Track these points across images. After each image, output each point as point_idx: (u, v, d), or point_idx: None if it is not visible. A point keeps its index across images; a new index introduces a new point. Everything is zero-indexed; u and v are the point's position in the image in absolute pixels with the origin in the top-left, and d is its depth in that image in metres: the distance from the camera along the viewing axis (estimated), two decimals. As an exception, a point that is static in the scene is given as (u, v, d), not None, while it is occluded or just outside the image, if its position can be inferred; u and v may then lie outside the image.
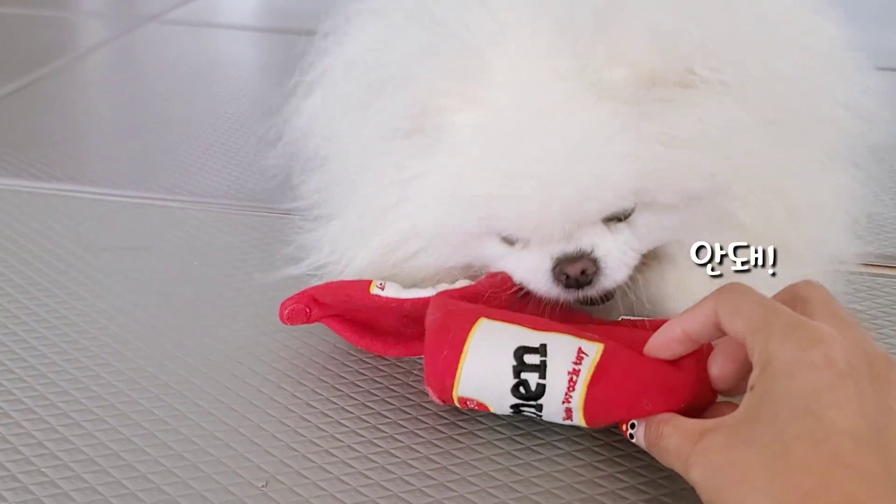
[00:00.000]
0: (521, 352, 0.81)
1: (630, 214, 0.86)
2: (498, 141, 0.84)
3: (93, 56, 2.16)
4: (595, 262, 0.86)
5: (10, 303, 1.05)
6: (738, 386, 0.77)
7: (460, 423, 0.87)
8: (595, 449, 0.85)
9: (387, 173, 0.91)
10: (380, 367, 0.96)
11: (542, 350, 0.81)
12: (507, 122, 0.84)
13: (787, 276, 0.81)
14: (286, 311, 0.95)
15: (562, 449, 0.85)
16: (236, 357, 0.96)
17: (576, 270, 0.86)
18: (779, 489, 0.59)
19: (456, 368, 0.82)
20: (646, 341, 0.80)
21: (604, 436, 0.86)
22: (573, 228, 0.85)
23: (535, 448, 0.84)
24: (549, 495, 0.78)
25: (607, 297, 0.91)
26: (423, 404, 0.89)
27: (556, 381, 0.80)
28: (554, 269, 0.87)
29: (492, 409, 0.84)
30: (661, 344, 0.79)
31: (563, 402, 0.80)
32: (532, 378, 0.80)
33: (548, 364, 0.80)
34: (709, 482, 0.64)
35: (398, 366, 0.96)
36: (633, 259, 0.89)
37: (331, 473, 0.80)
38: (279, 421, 0.86)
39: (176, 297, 1.08)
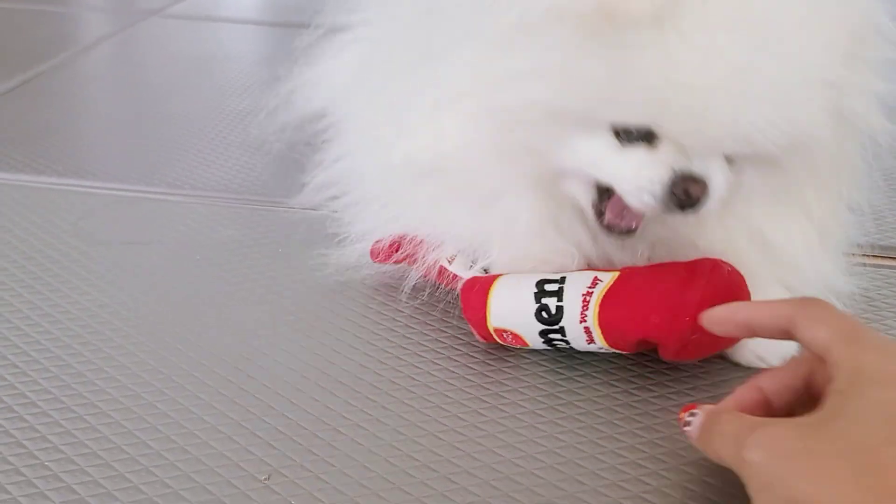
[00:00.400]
0: (542, 283, 0.92)
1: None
2: (721, 30, 0.79)
3: (94, 51, 2.15)
4: (706, 189, 0.86)
5: (13, 297, 1.04)
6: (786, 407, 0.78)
7: (461, 416, 0.87)
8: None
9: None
10: (383, 361, 0.96)
11: (560, 280, 0.92)
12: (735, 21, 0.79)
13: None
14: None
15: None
16: (238, 350, 0.96)
17: (698, 191, 0.85)
18: (867, 481, 0.60)
19: (486, 298, 0.93)
20: (664, 271, 0.90)
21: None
22: (731, 144, 0.84)
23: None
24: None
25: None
26: (424, 410, 0.89)
27: (571, 303, 0.89)
28: (675, 182, 0.85)
29: (526, 340, 0.94)
30: (720, 318, 0.80)
31: (581, 322, 0.89)
32: (551, 302, 0.90)
33: (565, 289, 0.90)
34: (773, 465, 0.64)
35: (398, 370, 0.95)
36: (726, 196, 0.88)
37: (333, 466, 0.79)
38: (282, 414, 0.86)
39: (177, 291, 1.08)
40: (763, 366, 0.94)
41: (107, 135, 1.65)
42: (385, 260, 1.06)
